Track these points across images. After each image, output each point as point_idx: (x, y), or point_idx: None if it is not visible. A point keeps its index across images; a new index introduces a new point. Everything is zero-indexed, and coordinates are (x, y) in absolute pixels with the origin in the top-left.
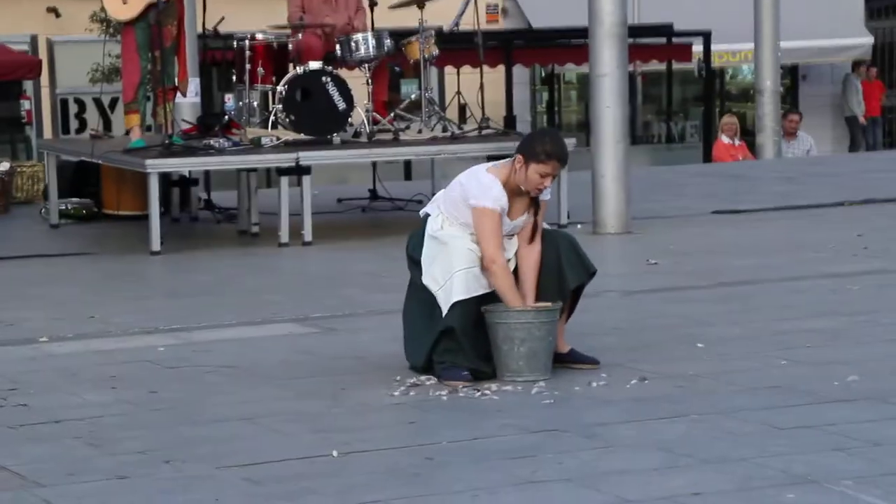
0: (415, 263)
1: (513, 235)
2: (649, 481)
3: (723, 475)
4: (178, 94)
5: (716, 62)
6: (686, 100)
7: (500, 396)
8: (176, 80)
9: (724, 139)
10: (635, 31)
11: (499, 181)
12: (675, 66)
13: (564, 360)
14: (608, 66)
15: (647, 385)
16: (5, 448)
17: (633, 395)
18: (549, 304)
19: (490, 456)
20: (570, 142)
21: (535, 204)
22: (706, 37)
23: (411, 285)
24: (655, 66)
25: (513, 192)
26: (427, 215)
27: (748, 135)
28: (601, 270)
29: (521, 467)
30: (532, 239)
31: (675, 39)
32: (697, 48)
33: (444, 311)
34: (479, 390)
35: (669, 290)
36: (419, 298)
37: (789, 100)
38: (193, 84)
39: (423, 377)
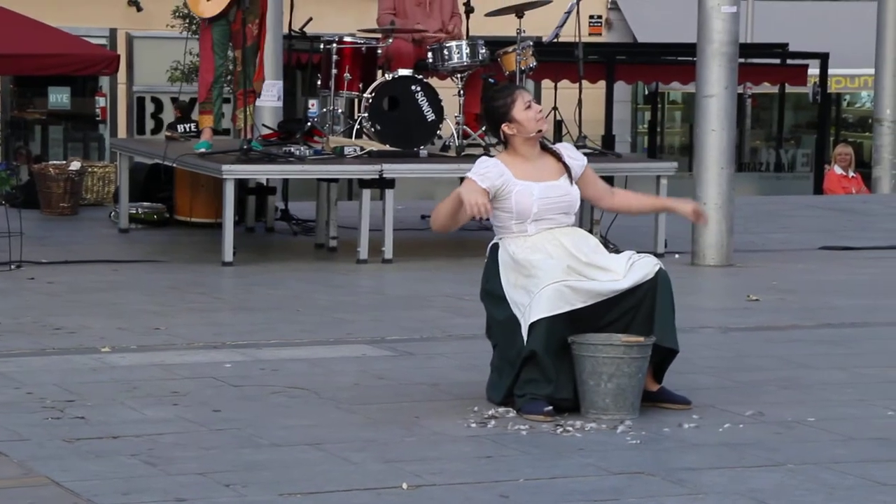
0: (492, 299)
1: (568, 213)
2: None
3: None
4: (260, 98)
5: (832, 87)
6: (798, 126)
7: (583, 434)
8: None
9: (837, 170)
10: (747, 50)
11: (499, 160)
12: (789, 89)
13: (654, 399)
14: (716, 86)
15: (742, 429)
16: (60, 462)
17: (726, 439)
18: (640, 338)
19: (569, 497)
20: (671, 165)
21: (566, 167)
22: (823, 59)
23: (490, 328)
24: (767, 88)
25: (527, 156)
26: (494, 245)
27: (864, 167)
28: (698, 304)
29: None
30: (608, 192)
31: (789, 61)
32: (813, 71)
33: (525, 334)
34: (560, 426)
35: (770, 329)
36: (500, 337)
37: None
38: (276, 87)
39: (501, 409)
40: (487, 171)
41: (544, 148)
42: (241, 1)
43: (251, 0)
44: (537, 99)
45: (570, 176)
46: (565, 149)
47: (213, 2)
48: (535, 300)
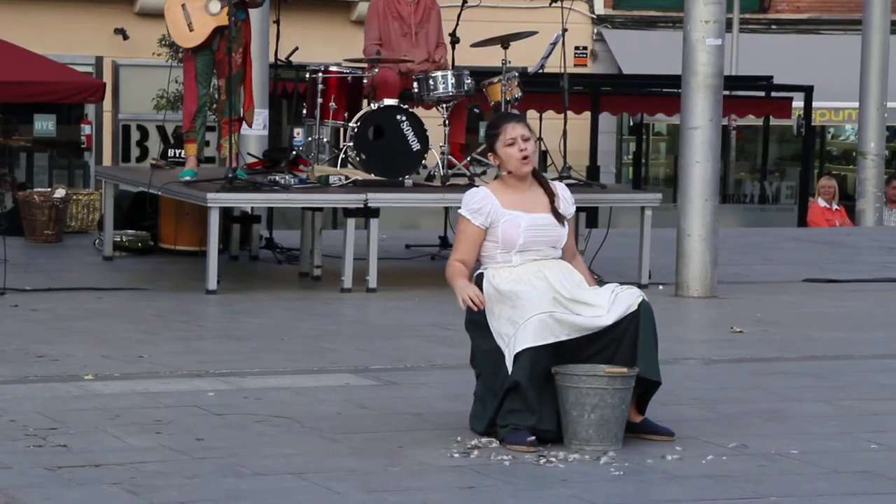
0: (477, 328)
1: (555, 247)
2: None
3: None
4: (245, 126)
5: (817, 120)
6: (783, 158)
7: (566, 465)
8: (241, 109)
9: (821, 203)
10: (732, 82)
11: (488, 189)
12: (773, 121)
13: (637, 431)
14: (700, 118)
15: (725, 462)
16: (41, 490)
17: (709, 471)
18: (623, 368)
19: None
20: (655, 196)
21: (555, 203)
22: (808, 92)
23: (475, 357)
24: (752, 120)
25: (517, 187)
26: (479, 275)
27: (848, 199)
28: (682, 335)
29: None
30: (572, 251)
31: (774, 93)
32: (798, 104)
33: (510, 364)
34: (543, 457)
35: (754, 361)
36: (484, 367)
37: (895, 164)
38: (262, 116)
39: (484, 439)
40: (480, 208)
41: (538, 178)
42: (225, 30)
43: (235, 29)
44: None
45: (558, 216)
46: (561, 189)
47: (196, 32)
48: (519, 330)
